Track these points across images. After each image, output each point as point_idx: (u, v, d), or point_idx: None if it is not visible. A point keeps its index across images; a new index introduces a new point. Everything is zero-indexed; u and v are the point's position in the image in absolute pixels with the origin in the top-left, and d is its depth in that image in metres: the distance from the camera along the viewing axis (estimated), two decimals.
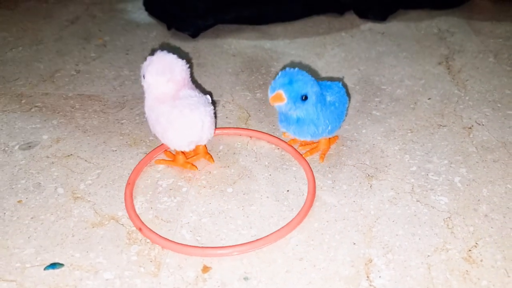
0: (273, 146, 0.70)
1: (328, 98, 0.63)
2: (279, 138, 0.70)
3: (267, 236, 0.54)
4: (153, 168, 0.65)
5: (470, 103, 0.80)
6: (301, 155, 0.66)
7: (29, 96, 0.82)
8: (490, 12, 1.17)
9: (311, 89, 0.59)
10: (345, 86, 0.85)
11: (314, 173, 0.63)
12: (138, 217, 0.57)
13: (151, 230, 0.55)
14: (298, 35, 1.05)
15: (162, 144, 0.68)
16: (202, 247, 0.53)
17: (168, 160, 0.67)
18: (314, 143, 0.69)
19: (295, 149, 0.68)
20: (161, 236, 0.54)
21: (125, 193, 0.60)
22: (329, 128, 0.63)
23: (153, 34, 1.06)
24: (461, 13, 1.16)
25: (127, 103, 0.80)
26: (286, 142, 0.69)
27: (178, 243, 0.53)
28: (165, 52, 0.63)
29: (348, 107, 0.67)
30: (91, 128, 0.74)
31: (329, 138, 0.68)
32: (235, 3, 1.09)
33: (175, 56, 0.63)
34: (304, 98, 0.59)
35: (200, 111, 0.60)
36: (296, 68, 0.60)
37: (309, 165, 0.64)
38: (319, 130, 0.62)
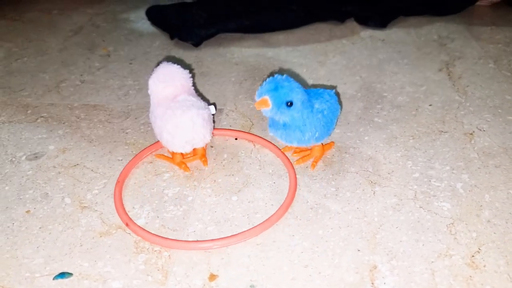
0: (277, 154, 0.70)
1: (316, 106, 0.64)
2: (268, 141, 0.71)
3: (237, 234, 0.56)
4: (158, 177, 0.66)
5: (471, 109, 0.81)
6: (288, 158, 0.68)
7: (35, 106, 0.83)
8: (490, 18, 1.18)
9: (296, 95, 0.60)
10: (346, 93, 0.86)
11: (299, 180, 0.65)
12: (126, 212, 0.59)
13: (137, 225, 0.57)
14: (299, 43, 1.06)
15: (150, 145, 0.71)
16: (184, 240, 0.56)
17: (167, 157, 0.69)
18: (308, 150, 0.70)
19: (283, 152, 0.69)
20: (146, 230, 0.57)
21: (114, 191, 0.63)
22: (317, 135, 0.64)
23: (156, 44, 1.07)
24: (461, 19, 1.17)
25: (132, 113, 0.81)
26: (275, 145, 0.70)
27: (176, 239, 0.56)
28: (170, 63, 0.65)
29: (339, 115, 0.68)
30: (97, 138, 0.75)
31: (323, 146, 0.69)
32: (236, 13, 1.10)
33: (177, 66, 0.66)
34: (289, 104, 0.60)
35: (192, 112, 0.62)
36: (285, 75, 0.62)
37: (294, 169, 0.66)
38: (305, 137, 0.64)
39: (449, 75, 0.92)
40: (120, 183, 0.64)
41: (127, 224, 0.58)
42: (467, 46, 1.04)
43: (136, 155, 0.69)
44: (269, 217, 0.58)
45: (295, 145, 0.65)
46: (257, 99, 0.60)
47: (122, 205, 0.61)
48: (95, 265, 0.53)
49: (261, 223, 0.57)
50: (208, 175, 0.67)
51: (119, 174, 0.65)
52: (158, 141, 0.70)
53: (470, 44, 1.05)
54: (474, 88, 0.87)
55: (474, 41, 1.06)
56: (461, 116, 0.79)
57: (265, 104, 0.60)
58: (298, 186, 0.64)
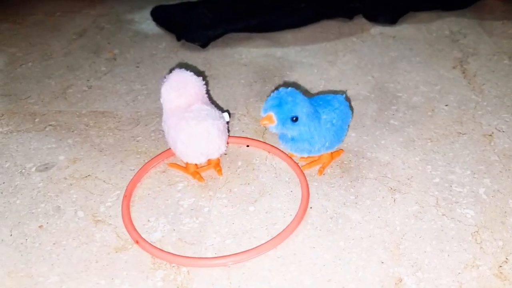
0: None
1: (324, 116, 0.62)
2: (279, 149, 0.70)
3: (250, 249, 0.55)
4: (172, 188, 0.65)
5: (488, 109, 0.79)
6: (298, 166, 0.66)
7: (42, 114, 0.82)
8: (501, 12, 1.15)
9: (301, 110, 0.59)
10: (359, 95, 0.84)
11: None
12: (135, 229, 0.57)
13: (148, 242, 0.56)
14: (308, 42, 1.04)
15: (158, 155, 0.69)
16: (194, 257, 0.54)
17: (180, 166, 0.68)
18: (315, 156, 0.68)
19: (291, 159, 0.68)
20: (157, 248, 0.55)
21: (122, 206, 0.61)
22: (327, 144, 0.63)
23: (162, 46, 1.05)
24: (472, 14, 1.15)
25: (142, 119, 0.79)
26: (285, 153, 0.69)
27: (189, 257, 0.55)
28: (182, 69, 0.64)
29: (350, 121, 0.67)
30: (107, 147, 0.73)
31: (332, 153, 0.67)
32: (243, 13, 1.08)
33: (191, 73, 0.64)
34: (295, 119, 0.59)
35: (207, 123, 0.60)
36: (290, 88, 0.60)
37: (306, 179, 0.64)
38: (315, 148, 0.62)
39: (463, 72, 0.90)
40: (127, 198, 0.62)
41: (137, 242, 0.56)
42: (480, 41, 1.02)
43: (142, 167, 0.67)
44: (281, 231, 0.56)
45: (305, 155, 0.64)
46: (262, 115, 0.59)
47: (131, 221, 0.59)
48: (112, 282, 0.52)
49: (273, 237, 0.56)
50: (223, 184, 0.65)
51: (125, 188, 0.64)
52: (161, 153, 0.69)
53: (483, 39, 1.03)
54: (490, 86, 0.85)
55: (487, 36, 1.04)
56: (479, 117, 0.77)
57: (270, 121, 0.59)
58: (316, 195, 0.63)
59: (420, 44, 1.02)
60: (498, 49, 0.98)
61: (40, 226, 0.59)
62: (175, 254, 0.54)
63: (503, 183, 0.63)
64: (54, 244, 0.57)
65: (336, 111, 0.63)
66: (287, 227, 0.57)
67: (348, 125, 0.67)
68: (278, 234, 0.56)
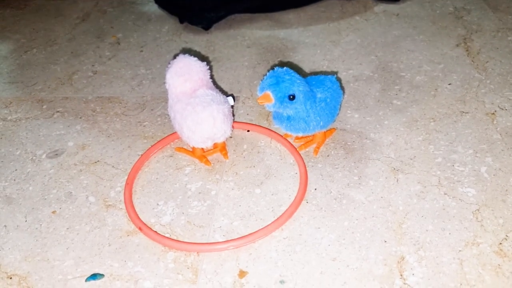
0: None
1: (319, 95, 0.64)
2: (276, 132, 0.71)
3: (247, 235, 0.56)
4: (180, 172, 0.66)
5: (491, 87, 0.79)
6: (296, 149, 0.67)
7: (50, 101, 0.83)
8: None
9: (298, 88, 0.60)
10: (363, 75, 0.84)
11: (308, 168, 0.64)
12: (138, 217, 0.59)
13: (151, 229, 0.57)
14: (311, 21, 1.04)
15: (157, 142, 0.70)
16: (196, 243, 0.56)
17: (187, 150, 0.69)
18: (309, 136, 0.69)
19: (290, 142, 0.69)
20: (160, 235, 0.57)
21: (124, 193, 0.62)
22: (321, 123, 0.64)
23: (165, 29, 1.05)
24: None
25: (147, 104, 0.81)
26: (282, 136, 0.70)
27: (180, 241, 0.56)
28: (186, 55, 0.65)
29: (341, 101, 0.68)
30: (115, 132, 0.74)
31: (325, 132, 0.69)
32: None
33: (194, 58, 0.65)
34: (292, 97, 0.60)
35: (212, 108, 0.61)
36: (285, 68, 0.61)
37: (303, 160, 0.65)
38: (310, 127, 0.64)
39: (467, 50, 0.90)
40: (129, 185, 0.63)
41: (140, 229, 0.58)
42: (484, 18, 1.01)
43: (142, 155, 0.68)
44: (281, 215, 0.58)
45: (300, 135, 0.66)
46: (259, 94, 0.60)
47: (133, 208, 0.60)
48: (125, 265, 0.54)
49: (271, 222, 0.57)
50: (229, 168, 0.66)
51: (127, 176, 0.65)
52: (160, 140, 0.70)
53: (487, 15, 1.02)
54: (494, 64, 0.85)
55: (491, 12, 1.03)
56: (482, 95, 0.77)
57: (268, 99, 0.60)
58: (320, 176, 0.64)
59: (423, 21, 1.01)
60: (503, 25, 0.97)
61: (53, 212, 0.61)
62: (178, 240, 0.56)
63: (505, 161, 0.64)
64: (67, 228, 0.59)
65: (330, 90, 0.65)
66: (277, 219, 0.58)
67: (340, 105, 0.68)
68: (270, 224, 0.57)
